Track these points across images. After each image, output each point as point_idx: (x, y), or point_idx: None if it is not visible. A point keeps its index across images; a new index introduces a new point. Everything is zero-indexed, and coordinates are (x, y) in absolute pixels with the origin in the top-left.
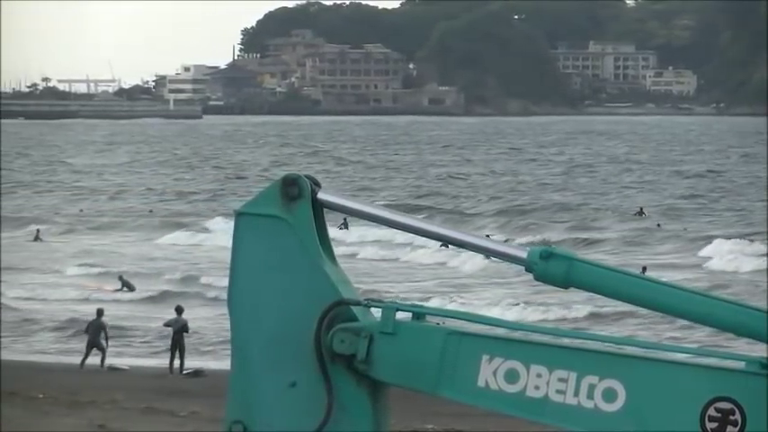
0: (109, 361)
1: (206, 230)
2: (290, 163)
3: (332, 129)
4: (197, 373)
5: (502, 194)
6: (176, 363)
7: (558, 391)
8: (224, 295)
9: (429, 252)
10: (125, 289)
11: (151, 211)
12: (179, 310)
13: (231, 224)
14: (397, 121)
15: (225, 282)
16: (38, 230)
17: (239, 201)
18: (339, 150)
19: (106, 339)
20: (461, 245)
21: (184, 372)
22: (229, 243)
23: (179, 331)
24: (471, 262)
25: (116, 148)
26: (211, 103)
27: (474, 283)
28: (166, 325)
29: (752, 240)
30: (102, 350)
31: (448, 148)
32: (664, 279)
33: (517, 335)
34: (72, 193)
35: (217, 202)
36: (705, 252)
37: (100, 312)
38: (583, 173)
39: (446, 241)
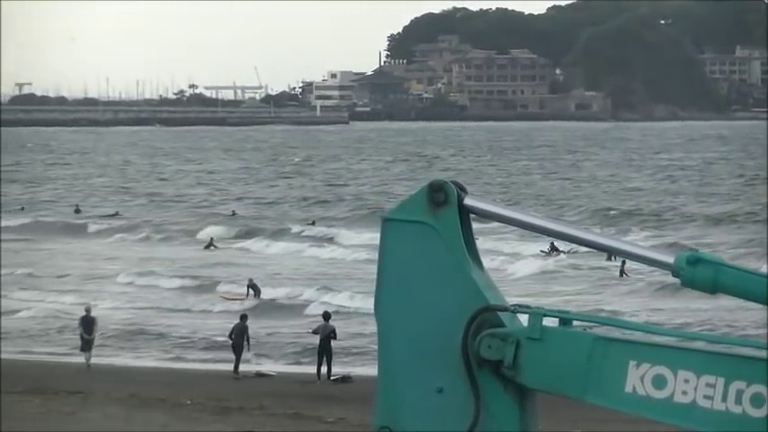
0: (256, 367)
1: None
2: (388, 170)
3: (460, 135)
4: (345, 378)
5: (588, 201)
6: (324, 369)
7: (706, 397)
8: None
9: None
10: (251, 293)
11: (313, 223)
12: (326, 317)
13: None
14: (519, 127)
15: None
16: (211, 239)
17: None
18: (450, 158)
19: (248, 342)
20: (609, 250)
21: (332, 378)
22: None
23: (326, 337)
24: (526, 267)
25: (232, 154)
26: (358, 109)
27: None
28: (314, 332)
29: None
30: (239, 354)
31: (561, 154)
32: None
33: (663, 340)
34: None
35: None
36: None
37: (244, 317)
38: (681, 178)
39: (594, 247)
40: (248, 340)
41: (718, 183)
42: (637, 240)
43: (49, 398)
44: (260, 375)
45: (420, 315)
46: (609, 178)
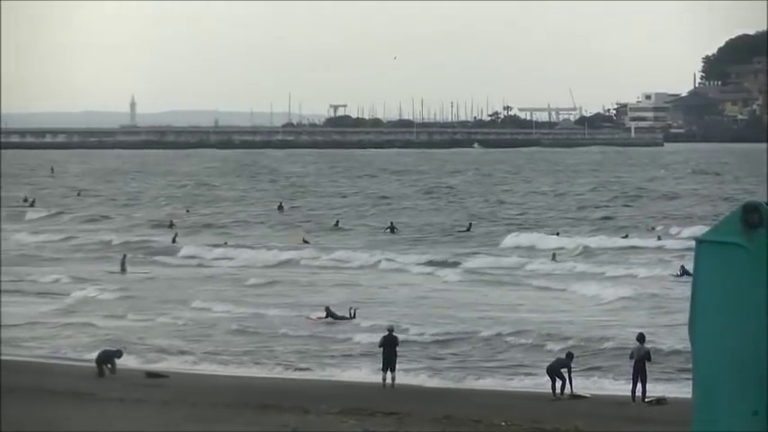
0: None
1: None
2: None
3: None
4: (659, 401)
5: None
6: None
7: None
8: None
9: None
10: (329, 318)
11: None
12: (641, 339)
13: None
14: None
15: None
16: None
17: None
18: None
19: (570, 379)
20: None
21: (647, 399)
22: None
23: (641, 359)
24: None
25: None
26: (672, 130)
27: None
28: (630, 356)
29: None
30: (564, 379)
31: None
32: None
33: None
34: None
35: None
36: None
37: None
38: None
39: None
40: (570, 378)
41: None
42: None
43: (365, 418)
44: (575, 397)
45: (734, 337)
46: None
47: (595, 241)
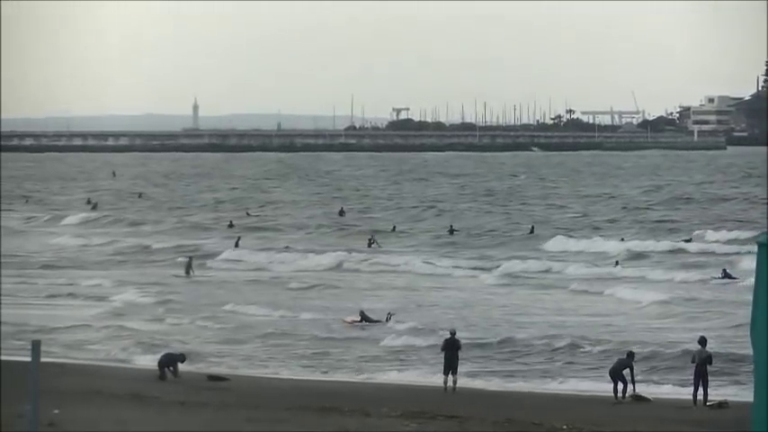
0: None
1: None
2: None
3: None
4: (720, 405)
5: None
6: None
7: None
8: None
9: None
10: (364, 321)
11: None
12: (702, 342)
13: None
14: None
15: None
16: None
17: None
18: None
19: (633, 380)
20: None
21: (708, 403)
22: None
23: (702, 363)
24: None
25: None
26: (735, 134)
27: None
28: (692, 360)
29: None
30: (626, 382)
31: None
32: None
33: None
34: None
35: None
36: None
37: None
38: None
39: None
40: (633, 377)
41: None
42: None
43: (426, 422)
44: (638, 398)
45: None
46: None
47: (644, 245)
